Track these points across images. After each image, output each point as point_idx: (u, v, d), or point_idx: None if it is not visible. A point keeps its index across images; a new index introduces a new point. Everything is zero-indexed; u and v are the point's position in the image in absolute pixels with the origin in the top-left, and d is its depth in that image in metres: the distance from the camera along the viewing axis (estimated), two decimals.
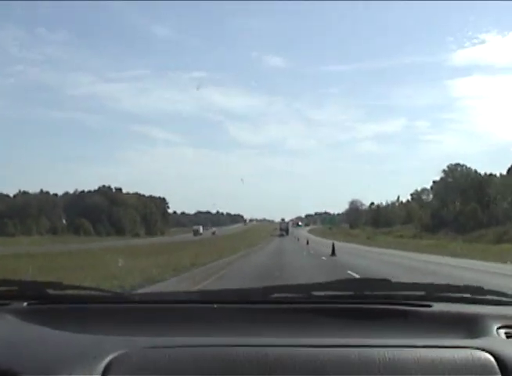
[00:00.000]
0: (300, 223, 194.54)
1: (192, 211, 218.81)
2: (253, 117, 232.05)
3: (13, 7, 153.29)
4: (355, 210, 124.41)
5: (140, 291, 11.27)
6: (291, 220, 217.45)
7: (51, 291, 1.68)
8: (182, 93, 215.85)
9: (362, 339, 1.23)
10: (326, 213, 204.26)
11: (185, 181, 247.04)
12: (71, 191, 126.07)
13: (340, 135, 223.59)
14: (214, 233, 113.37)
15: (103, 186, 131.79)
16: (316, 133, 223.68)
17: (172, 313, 1.53)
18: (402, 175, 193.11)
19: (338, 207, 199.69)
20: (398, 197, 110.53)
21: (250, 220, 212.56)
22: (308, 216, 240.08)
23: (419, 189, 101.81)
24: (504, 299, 1.61)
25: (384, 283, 1.63)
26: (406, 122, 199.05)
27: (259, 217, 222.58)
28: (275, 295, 1.61)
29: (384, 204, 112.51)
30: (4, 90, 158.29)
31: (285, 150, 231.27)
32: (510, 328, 1.36)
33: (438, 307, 1.49)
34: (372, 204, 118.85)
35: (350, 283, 1.77)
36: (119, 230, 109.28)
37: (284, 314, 1.49)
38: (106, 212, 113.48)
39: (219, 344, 1.21)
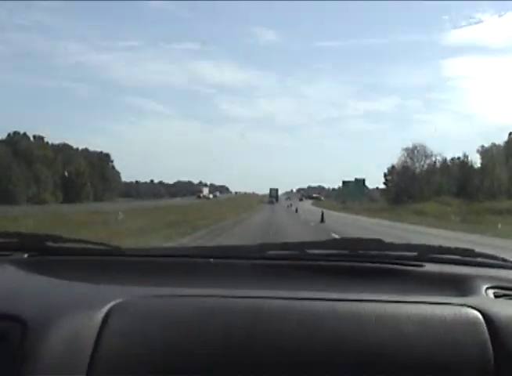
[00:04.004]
0: (316, 195, 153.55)
1: (171, 181, 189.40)
2: (244, 91, 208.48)
3: None
4: (406, 168, 64.72)
5: None
6: (292, 191, 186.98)
7: (50, 244, 1.70)
8: (174, 65, 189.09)
9: (354, 294, 1.26)
10: (320, 187, 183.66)
11: (173, 152, 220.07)
12: None
13: (331, 111, 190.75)
14: None
15: (14, 132, 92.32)
16: (307, 109, 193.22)
17: (169, 266, 1.57)
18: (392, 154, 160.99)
19: (330, 182, 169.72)
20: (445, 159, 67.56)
21: (212, 193, 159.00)
22: (300, 190, 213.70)
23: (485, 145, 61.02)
24: (493, 262, 1.64)
25: (378, 242, 1.65)
26: (398, 101, 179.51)
27: (248, 190, 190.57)
28: (271, 252, 1.64)
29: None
30: None
31: (276, 125, 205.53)
32: (498, 289, 1.39)
33: (430, 267, 1.54)
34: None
35: (344, 242, 1.79)
36: (8, 194, 69.95)
37: (279, 270, 1.53)
38: None
39: (217, 295, 1.24)
